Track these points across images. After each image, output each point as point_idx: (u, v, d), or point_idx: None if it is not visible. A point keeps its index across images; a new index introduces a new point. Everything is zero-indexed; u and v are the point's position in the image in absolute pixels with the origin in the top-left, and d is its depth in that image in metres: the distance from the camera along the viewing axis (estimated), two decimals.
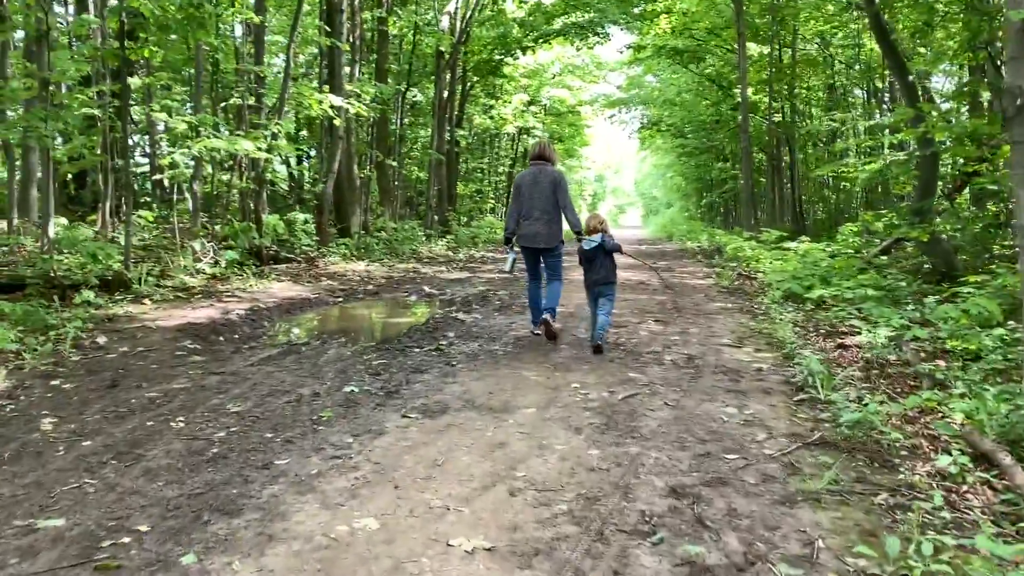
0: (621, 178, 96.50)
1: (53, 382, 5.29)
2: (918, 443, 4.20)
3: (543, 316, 6.79)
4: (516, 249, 7.11)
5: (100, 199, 11.37)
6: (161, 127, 15.02)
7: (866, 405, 4.44)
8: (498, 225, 31.30)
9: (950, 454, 3.78)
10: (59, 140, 14.50)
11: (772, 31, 21.36)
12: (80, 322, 6.88)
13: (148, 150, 18.32)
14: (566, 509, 3.22)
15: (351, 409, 4.68)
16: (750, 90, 27.21)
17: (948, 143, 10.56)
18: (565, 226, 6.93)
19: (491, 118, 29.97)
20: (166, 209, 15.15)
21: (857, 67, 22.94)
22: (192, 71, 14.59)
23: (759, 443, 4.12)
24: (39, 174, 11.29)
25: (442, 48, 19.68)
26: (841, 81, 24.04)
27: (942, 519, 3.15)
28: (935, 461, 3.85)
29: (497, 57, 24.91)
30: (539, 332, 6.96)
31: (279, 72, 13.80)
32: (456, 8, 21.56)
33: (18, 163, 12.30)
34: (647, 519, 3.13)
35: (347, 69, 15.84)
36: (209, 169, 18.21)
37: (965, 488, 3.54)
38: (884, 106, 22.29)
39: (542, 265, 7.09)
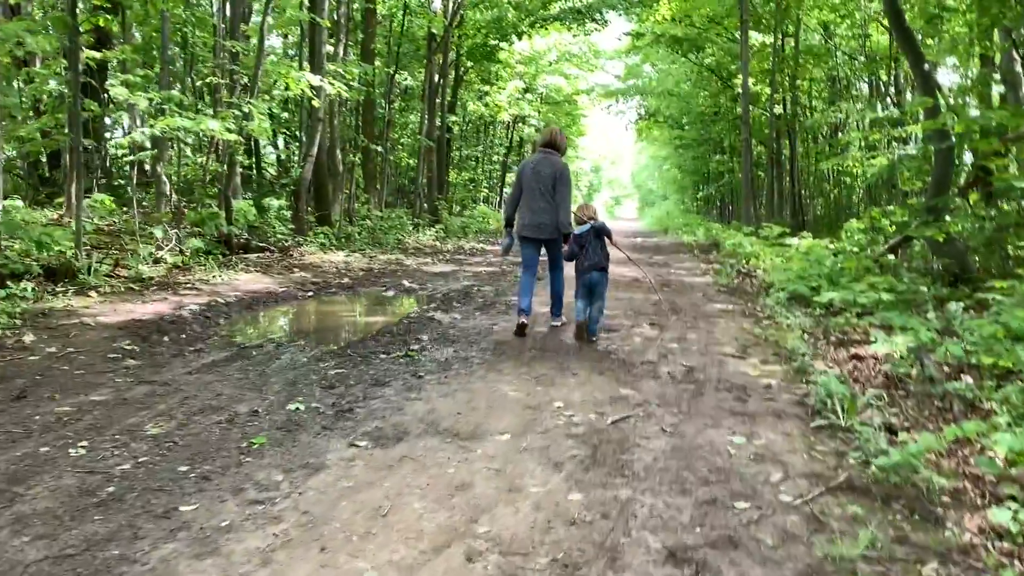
0: (618, 169, 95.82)
1: None
2: (961, 486, 3.52)
3: (553, 314, 7.05)
4: (514, 234, 6.97)
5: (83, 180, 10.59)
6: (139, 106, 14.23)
7: (903, 443, 3.74)
8: (491, 215, 30.57)
9: (1006, 506, 3.10)
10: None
11: (776, 19, 20.59)
12: (5, 317, 6.14)
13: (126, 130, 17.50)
14: None
15: (291, 434, 3.96)
16: (751, 80, 26.50)
17: (971, 136, 9.89)
18: None
19: (485, 105, 29.17)
20: (143, 192, 14.38)
21: (861, 58, 22.24)
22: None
23: (774, 486, 3.42)
24: None
25: (434, 30, 18.88)
26: (844, 73, 23.30)
27: None
28: (987, 513, 3.17)
29: (492, 42, 24.13)
30: (523, 322, 6.62)
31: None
32: None
33: None
34: None
35: (331, 48, 15.04)
36: (189, 152, 17.45)
37: None
38: (887, 99, 21.60)
39: (542, 256, 7.00)
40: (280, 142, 23.05)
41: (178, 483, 3.28)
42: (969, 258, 10.51)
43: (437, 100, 21.45)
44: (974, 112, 12.70)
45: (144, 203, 12.66)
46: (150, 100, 9.53)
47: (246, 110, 10.37)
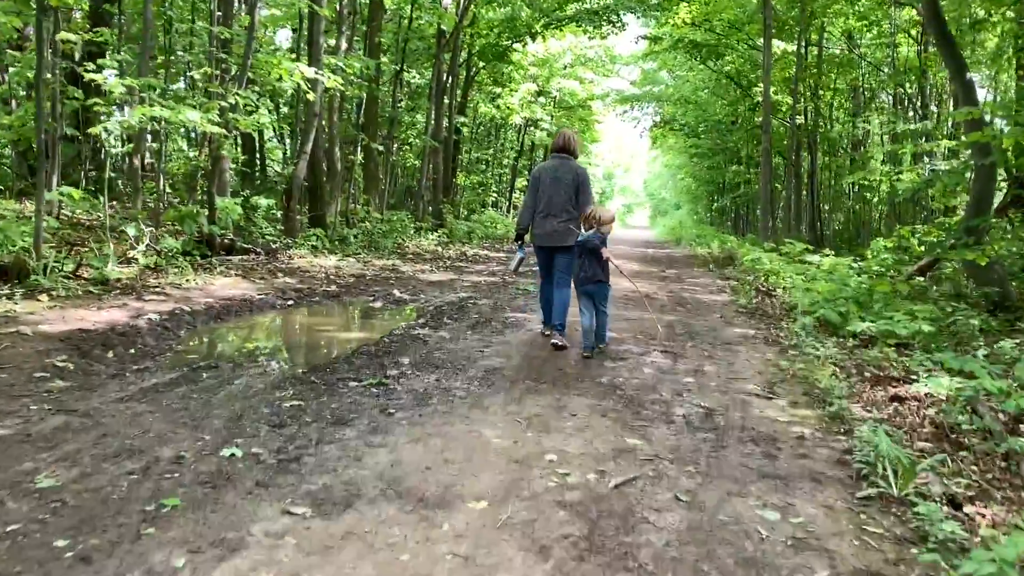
0: (630, 177, 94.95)
1: None
2: None
3: (551, 335, 6.52)
4: (528, 247, 6.70)
5: (60, 171, 9.92)
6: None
7: (983, 540, 2.93)
8: (499, 220, 29.81)
9: None
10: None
11: (800, 26, 19.76)
12: None
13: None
14: None
15: (215, 491, 3.18)
16: (772, 89, 25.68)
17: (1007, 154, 9.08)
18: None
19: (496, 107, 28.42)
20: (132, 187, 13.68)
21: (886, 69, 21.40)
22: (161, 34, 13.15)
23: None
24: None
25: (443, 26, 18.14)
26: (869, 84, 22.46)
27: None
28: None
29: (505, 42, 23.38)
30: (548, 334, 6.59)
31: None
32: None
33: None
34: None
35: (332, 41, 14.32)
36: (183, 145, 16.78)
37: None
38: (912, 113, 20.74)
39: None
40: (288, 139, 22.39)
41: (44, 567, 2.51)
42: (1008, 284, 9.69)
43: (446, 100, 20.71)
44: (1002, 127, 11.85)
45: (130, 198, 11.97)
46: (127, 87, 8.80)
47: (232, 101, 9.64)
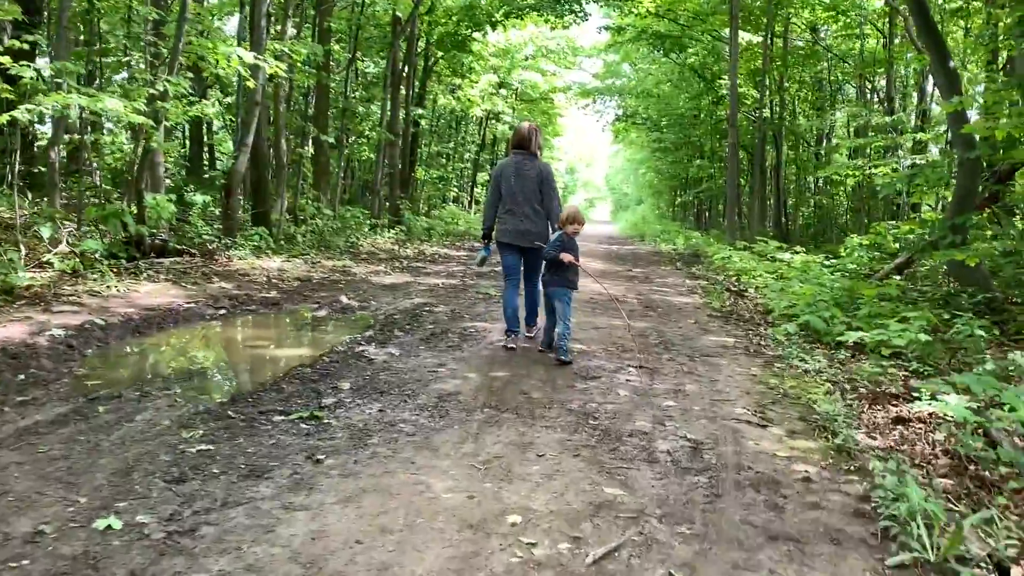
0: (592, 171, 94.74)
1: None
2: None
3: (519, 331, 6.46)
4: (493, 246, 6.53)
5: None
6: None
7: None
8: (460, 215, 29.02)
9: None
10: None
11: (767, 16, 19.30)
12: None
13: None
14: None
15: None
16: (737, 82, 25.26)
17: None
18: None
19: (457, 99, 27.58)
20: (73, 182, 12.65)
21: (852, 61, 21.08)
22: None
23: None
24: None
25: (399, 12, 17.28)
26: (835, 76, 22.13)
27: None
28: None
29: (464, 31, 22.56)
30: (512, 346, 6.27)
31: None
32: None
33: None
34: None
35: (279, 27, 13.41)
36: (124, 137, 15.68)
37: None
38: (878, 104, 20.43)
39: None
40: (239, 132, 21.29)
41: None
42: (991, 284, 9.25)
43: (403, 91, 19.84)
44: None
45: (49, 197, 10.98)
46: (38, 72, 7.86)
47: (160, 88, 8.73)
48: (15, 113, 7.64)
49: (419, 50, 23.44)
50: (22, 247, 7.77)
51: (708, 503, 3.33)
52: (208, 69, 10.44)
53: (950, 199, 9.63)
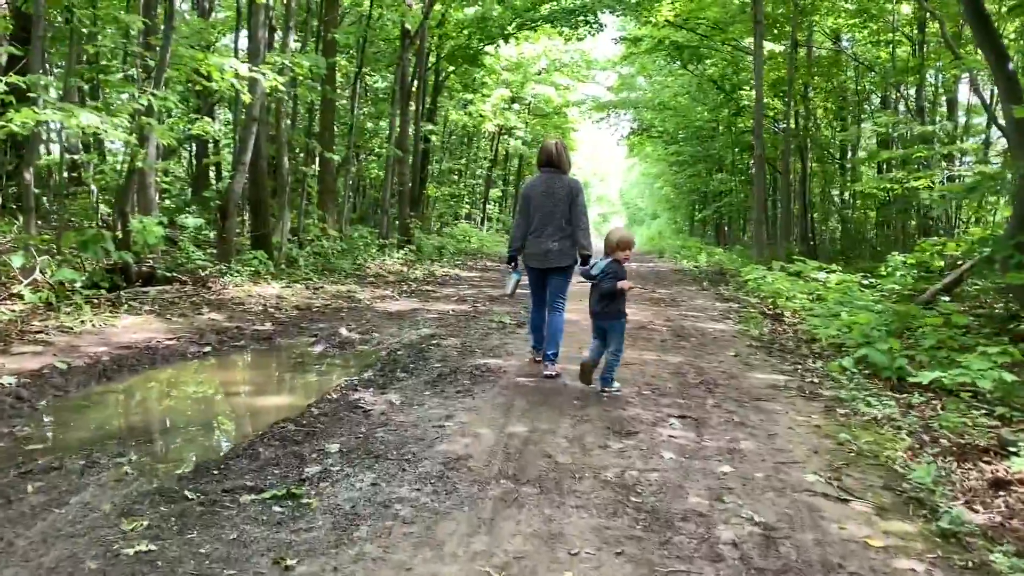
0: (607, 186, 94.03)
1: None
2: None
3: (543, 363, 6.07)
4: (521, 269, 6.23)
5: None
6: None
7: None
8: (472, 233, 28.32)
9: None
10: None
11: (791, 23, 18.49)
12: None
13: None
14: None
15: None
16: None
17: None
18: None
19: (468, 114, 26.91)
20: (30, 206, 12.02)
21: (877, 69, 20.22)
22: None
23: None
24: None
25: (407, 25, 16.60)
26: (862, 86, 21.26)
27: None
28: None
29: (476, 44, 21.91)
30: (540, 360, 6.14)
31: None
32: None
33: None
34: None
35: (280, 37, 12.73)
36: (119, 156, 15.04)
37: None
38: (908, 114, 19.54)
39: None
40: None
41: None
42: None
43: (412, 106, 19.16)
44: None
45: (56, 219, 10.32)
46: (10, 85, 7.17)
47: (145, 103, 8.02)
48: None
49: (429, 64, 22.81)
50: None
51: None
52: (202, 84, 9.74)
53: (1010, 215, 8.73)
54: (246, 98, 9.82)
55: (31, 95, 7.32)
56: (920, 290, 11.17)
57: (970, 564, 3.04)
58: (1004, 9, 10.49)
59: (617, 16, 22.74)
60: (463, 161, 32.26)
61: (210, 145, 19.83)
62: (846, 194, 25.08)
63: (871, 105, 22.64)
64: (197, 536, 3.01)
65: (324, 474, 3.73)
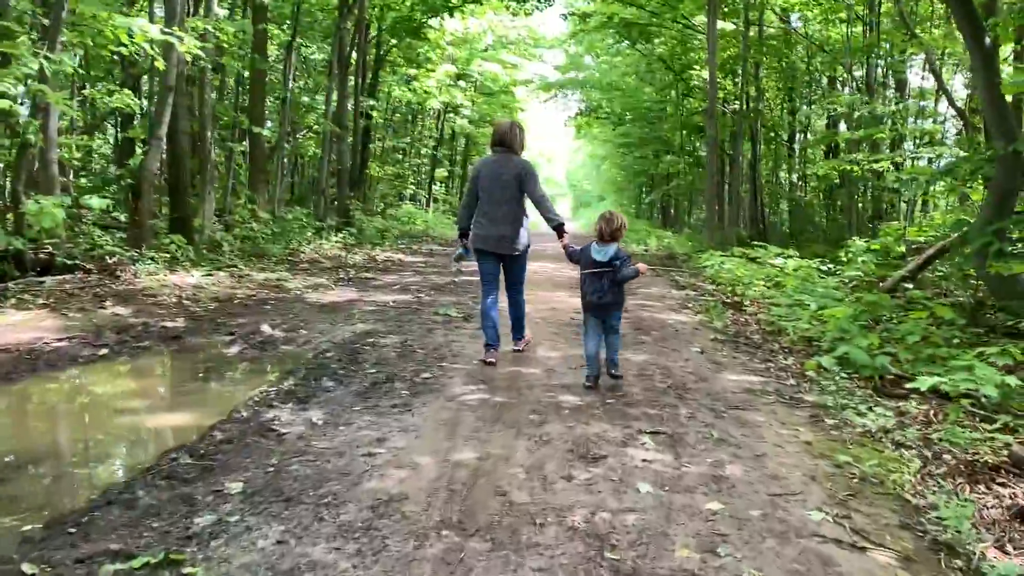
0: (553, 167, 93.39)
1: None
2: None
3: (499, 345, 5.93)
4: (468, 245, 6.03)
5: None
6: None
7: None
8: (418, 215, 27.36)
9: None
10: None
11: (744, 1, 17.98)
12: None
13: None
14: None
15: None
16: (708, 73, 24.03)
17: None
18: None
19: (412, 90, 25.81)
20: None
21: (828, 49, 19.93)
22: None
23: None
24: None
25: None
26: (814, 66, 20.96)
27: None
28: None
29: (419, 16, 20.90)
30: (492, 361, 5.78)
31: None
32: None
33: None
34: None
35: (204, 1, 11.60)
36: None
37: None
38: (858, 94, 19.28)
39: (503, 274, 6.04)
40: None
41: None
42: None
43: (351, 80, 18.10)
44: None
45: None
46: None
47: (35, 67, 6.98)
48: None
49: (371, 37, 21.71)
50: None
51: None
52: (110, 49, 8.67)
53: (982, 199, 8.30)
54: (160, 65, 8.77)
55: None
56: (880, 277, 10.78)
57: None
58: None
59: None
60: (407, 140, 31.16)
61: (136, 120, 18.49)
62: (794, 176, 24.92)
63: (820, 87, 22.39)
64: None
65: (218, 527, 2.93)
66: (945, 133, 16.88)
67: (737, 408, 4.89)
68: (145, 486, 3.30)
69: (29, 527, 2.92)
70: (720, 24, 20.74)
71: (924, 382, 4.69)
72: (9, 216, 7.54)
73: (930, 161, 17.55)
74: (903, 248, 11.40)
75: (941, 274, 11.51)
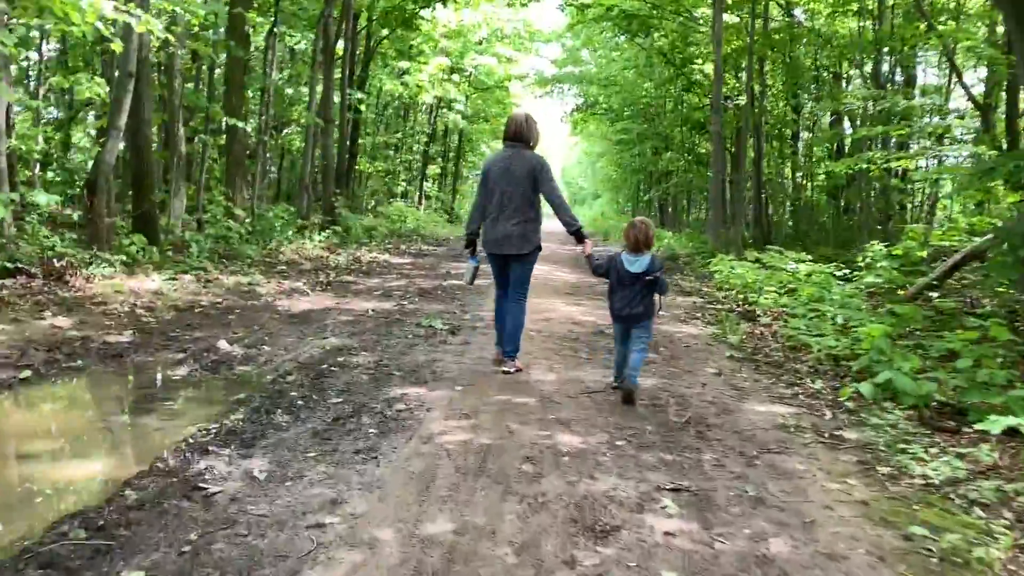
0: (549, 164, 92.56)
1: None
2: None
3: (503, 361, 5.55)
4: (481, 254, 5.66)
5: None
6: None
7: None
8: (408, 213, 26.52)
9: None
10: None
11: None
12: None
13: None
14: None
15: None
16: (709, 67, 23.27)
17: None
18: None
19: (404, 84, 24.95)
20: None
21: (835, 43, 19.19)
22: None
23: None
24: None
25: None
26: (821, 61, 20.19)
27: None
28: None
29: (411, 6, 20.06)
30: (510, 371, 5.46)
31: None
32: None
33: None
34: None
35: None
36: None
37: None
38: (852, 89, 18.55)
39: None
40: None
41: None
42: None
43: (338, 72, 17.27)
44: None
45: None
46: None
47: None
48: None
49: (360, 27, 20.86)
50: None
51: None
52: (61, 28, 7.83)
53: (1020, 201, 7.54)
54: (116, 47, 7.93)
55: None
56: (900, 284, 10.02)
57: None
58: None
59: None
60: (399, 135, 30.29)
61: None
62: (799, 176, 24.16)
63: (827, 83, 21.62)
64: None
65: None
66: (952, 129, 16.17)
67: (770, 451, 4.10)
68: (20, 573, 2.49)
69: None
70: (724, 17, 20.02)
71: (997, 422, 3.90)
72: None
73: (940, 162, 16.86)
74: (925, 253, 10.64)
75: (968, 282, 10.75)
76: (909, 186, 12.55)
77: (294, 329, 6.81)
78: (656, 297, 5.04)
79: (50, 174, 13.93)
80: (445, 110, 30.95)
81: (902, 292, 9.87)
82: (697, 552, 2.88)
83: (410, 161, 31.51)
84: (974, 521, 3.31)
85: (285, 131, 22.04)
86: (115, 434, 4.08)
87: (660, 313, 5.29)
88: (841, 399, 5.27)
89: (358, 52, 20.98)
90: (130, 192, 10.49)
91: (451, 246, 19.95)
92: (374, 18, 20.74)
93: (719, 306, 9.68)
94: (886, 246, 10.45)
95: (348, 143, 20.41)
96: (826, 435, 4.46)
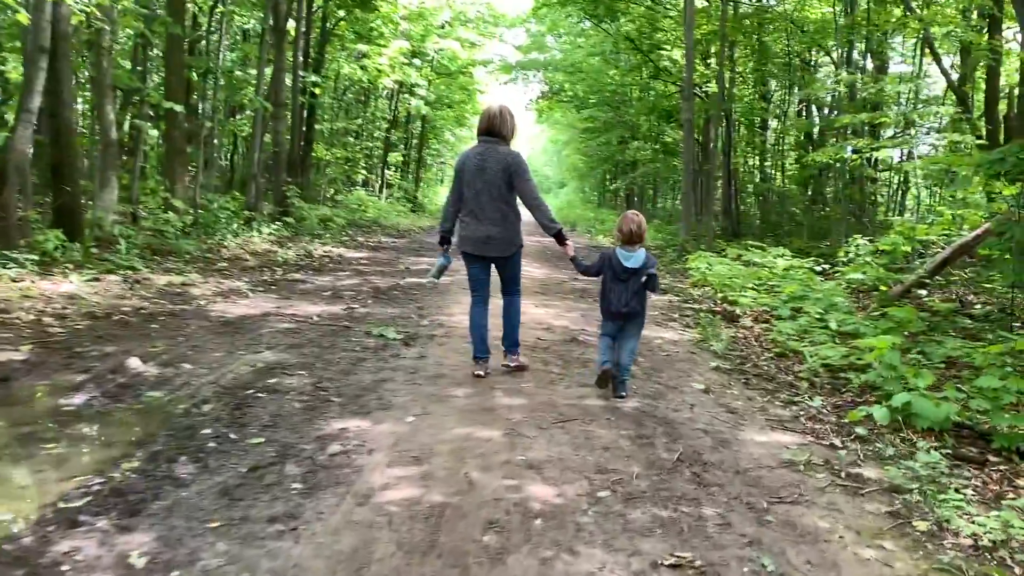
0: None
1: None
2: None
3: (506, 354, 5.47)
4: (453, 253, 5.38)
5: None
6: None
7: None
8: (368, 202, 25.59)
9: None
10: None
11: None
12: None
13: None
14: None
15: None
16: (678, 53, 22.68)
17: None
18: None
19: (363, 68, 23.94)
20: None
21: (804, 30, 18.74)
22: None
23: None
24: None
25: None
26: (792, 47, 19.70)
27: None
28: None
29: None
30: (481, 374, 5.21)
31: None
32: None
33: None
34: None
35: None
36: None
37: None
38: (806, 76, 18.11)
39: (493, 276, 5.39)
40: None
41: None
42: None
43: (290, 55, 16.27)
44: None
45: None
46: None
47: None
48: None
49: (316, 7, 19.84)
50: None
51: None
52: None
53: (1018, 194, 6.99)
54: (22, 18, 6.97)
55: None
56: (883, 280, 9.50)
57: None
58: None
59: None
60: (359, 121, 29.23)
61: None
62: (767, 165, 23.73)
63: (796, 70, 21.16)
64: None
65: None
66: (927, 116, 15.78)
67: (783, 500, 3.41)
68: None
69: None
70: (695, 2, 19.40)
71: None
72: None
73: (910, 154, 16.46)
74: (909, 248, 10.13)
75: (954, 278, 10.27)
76: (881, 176, 12.04)
77: (224, 341, 5.97)
78: (646, 293, 4.97)
79: None
80: (407, 95, 29.99)
81: (884, 288, 9.35)
82: None
83: (371, 148, 30.48)
84: None
85: (238, 116, 20.98)
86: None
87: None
88: (848, 422, 4.62)
89: (313, 33, 19.96)
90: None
91: (412, 238, 19.10)
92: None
93: (696, 306, 9.04)
94: (869, 240, 9.90)
95: (304, 129, 19.41)
96: (842, 474, 3.79)
